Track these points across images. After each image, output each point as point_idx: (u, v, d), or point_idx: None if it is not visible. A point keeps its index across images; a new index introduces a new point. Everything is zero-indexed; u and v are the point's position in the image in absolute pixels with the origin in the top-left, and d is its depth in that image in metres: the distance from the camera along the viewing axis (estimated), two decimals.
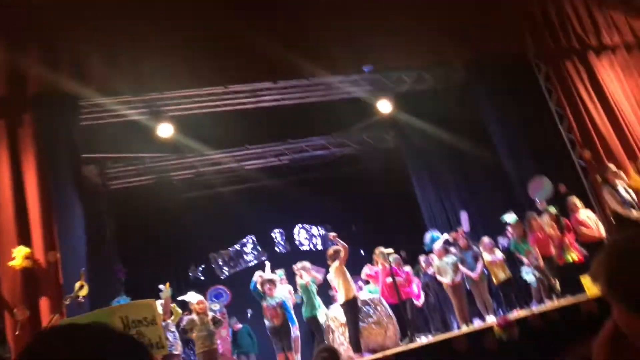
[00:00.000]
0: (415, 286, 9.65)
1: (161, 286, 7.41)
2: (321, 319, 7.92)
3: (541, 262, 8.35)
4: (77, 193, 7.89)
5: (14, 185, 6.87)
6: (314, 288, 7.95)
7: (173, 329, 7.36)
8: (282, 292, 8.11)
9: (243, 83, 10.02)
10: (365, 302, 7.80)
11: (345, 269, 7.42)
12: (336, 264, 7.36)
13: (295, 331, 8.13)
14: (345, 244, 7.52)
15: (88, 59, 7.17)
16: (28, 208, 6.84)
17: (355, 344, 6.98)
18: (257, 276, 7.95)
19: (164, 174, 12.07)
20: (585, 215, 8.30)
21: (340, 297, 7.31)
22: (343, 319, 7.47)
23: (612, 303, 1.12)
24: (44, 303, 6.55)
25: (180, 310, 7.61)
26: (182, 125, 10.11)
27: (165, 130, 9.81)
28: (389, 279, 8.27)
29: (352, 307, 7.21)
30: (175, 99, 10.09)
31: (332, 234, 7.88)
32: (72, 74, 7.13)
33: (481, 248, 9.00)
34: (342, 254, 7.37)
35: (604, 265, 1.13)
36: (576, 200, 8.43)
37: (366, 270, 9.33)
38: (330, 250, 7.64)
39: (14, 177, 6.91)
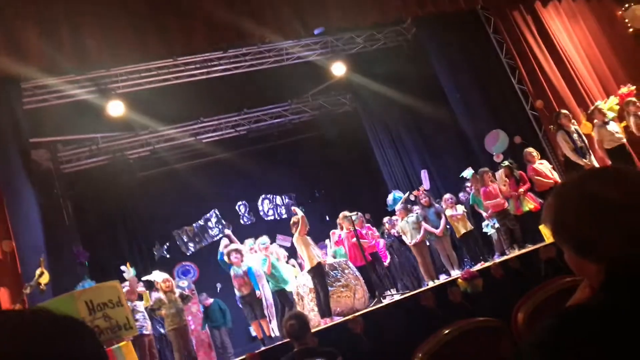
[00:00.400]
0: (382, 247, 9.81)
1: (123, 267, 7.31)
2: (290, 290, 8.00)
3: (493, 210, 8.54)
4: (28, 179, 7.65)
5: None
6: (278, 265, 7.99)
7: (142, 309, 7.30)
8: (252, 261, 8.11)
9: (192, 54, 9.78)
10: (332, 266, 7.85)
11: (307, 237, 7.43)
12: (296, 234, 7.38)
13: (268, 298, 8.16)
14: (302, 214, 7.55)
15: (25, 37, 6.79)
16: None
17: (326, 308, 7.05)
18: (223, 245, 7.92)
19: (118, 153, 11.76)
20: (541, 165, 8.47)
21: (306, 264, 7.36)
22: (312, 284, 7.53)
23: (561, 246, 1.13)
24: (3, 294, 6.38)
25: (150, 297, 7.56)
26: (133, 102, 9.85)
27: (115, 108, 9.55)
28: (354, 239, 8.33)
29: (318, 274, 7.25)
30: (124, 75, 9.81)
31: (293, 208, 7.99)
32: (9, 54, 6.76)
33: (443, 204, 9.15)
34: (300, 224, 7.38)
35: (551, 209, 1.13)
36: (532, 151, 8.58)
37: (334, 237, 9.37)
38: (292, 221, 7.68)
39: None
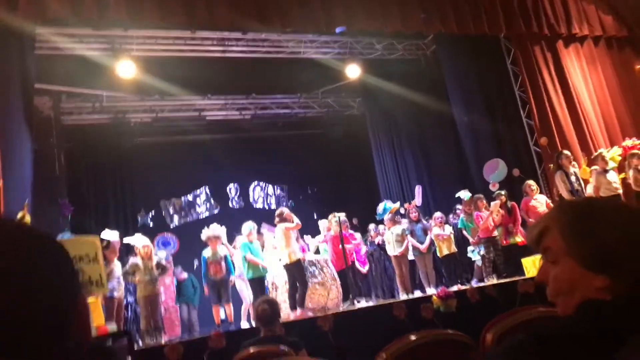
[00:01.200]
0: (363, 253, 9.84)
1: (104, 232, 7.27)
2: (268, 279, 7.98)
3: (482, 236, 8.57)
4: (27, 123, 7.60)
5: None
6: (260, 254, 7.93)
7: (118, 274, 7.26)
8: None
9: (212, 30, 9.76)
10: (312, 263, 7.86)
11: (291, 233, 7.39)
12: (282, 226, 7.33)
13: (246, 298, 8.14)
14: (299, 222, 7.51)
15: None
16: None
17: (301, 302, 7.04)
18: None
19: (120, 114, 11.74)
20: (537, 200, 8.46)
21: (284, 258, 7.32)
22: (287, 277, 7.50)
23: (557, 258, 1.10)
24: None
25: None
26: (144, 66, 9.82)
27: (126, 69, 9.50)
28: (339, 244, 8.33)
29: (297, 269, 7.23)
30: (140, 38, 9.77)
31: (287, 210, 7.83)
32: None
33: (432, 222, 9.16)
34: (291, 225, 7.34)
35: (561, 220, 1.11)
36: (532, 184, 8.58)
37: (319, 237, 9.36)
38: (279, 211, 7.63)
39: None
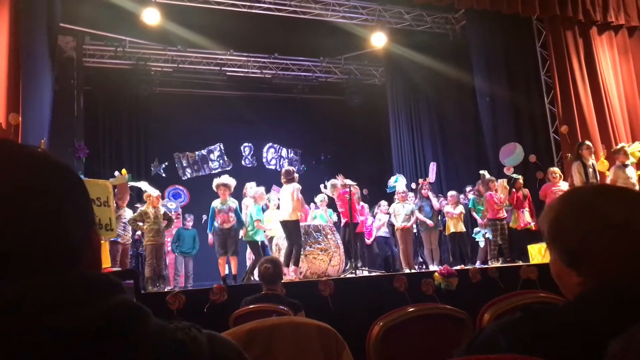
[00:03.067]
0: (369, 225, 9.87)
1: (117, 173, 7.28)
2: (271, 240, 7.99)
3: (490, 217, 8.51)
4: (49, 61, 7.62)
5: None
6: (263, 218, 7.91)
7: (125, 220, 7.34)
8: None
9: None
10: (316, 228, 7.88)
11: (299, 195, 7.28)
12: (292, 188, 7.23)
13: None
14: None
15: None
16: None
17: (295, 261, 7.01)
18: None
19: (142, 61, 11.71)
20: (559, 187, 8.31)
21: (286, 214, 7.15)
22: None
23: (550, 249, 1.13)
24: None
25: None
26: (169, 15, 9.75)
27: (151, 16, 9.44)
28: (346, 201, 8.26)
29: (293, 226, 7.13)
30: None
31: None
32: None
33: (447, 200, 9.17)
34: (299, 193, 7.20)
35: (553, 213, 1.13)
36: (556, 172, 8.41)
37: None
38: (286, 170, 7.52)
39: None
